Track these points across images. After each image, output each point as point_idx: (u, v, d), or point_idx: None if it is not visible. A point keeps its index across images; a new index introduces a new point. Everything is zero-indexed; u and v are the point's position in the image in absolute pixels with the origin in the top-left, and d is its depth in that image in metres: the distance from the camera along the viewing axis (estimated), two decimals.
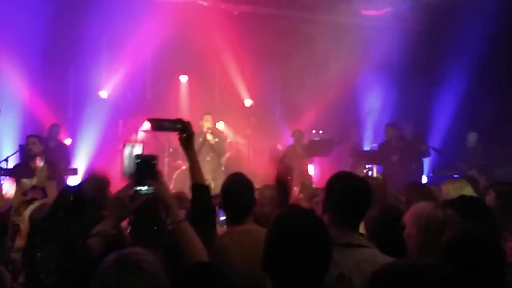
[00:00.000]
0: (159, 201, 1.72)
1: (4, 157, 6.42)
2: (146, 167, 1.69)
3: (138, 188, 1.69)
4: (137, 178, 1.69)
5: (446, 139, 8.46)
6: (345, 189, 2.01)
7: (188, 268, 1.57)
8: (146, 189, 1.68)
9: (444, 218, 2.07)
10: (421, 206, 2.18)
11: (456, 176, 6.61)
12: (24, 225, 2.60)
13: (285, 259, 1.49)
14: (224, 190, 2.54)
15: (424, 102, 9.03)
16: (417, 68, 8.79)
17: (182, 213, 1.75)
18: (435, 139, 8.54)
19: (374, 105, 9.11)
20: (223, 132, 8.82)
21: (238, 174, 2.65)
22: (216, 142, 7.55)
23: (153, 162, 1.71)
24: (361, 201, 2.01)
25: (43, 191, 3.32)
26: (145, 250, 1.35)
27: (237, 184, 2.55)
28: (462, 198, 2.64)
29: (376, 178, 3.67)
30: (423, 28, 8.69)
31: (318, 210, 2.08)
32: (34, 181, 3.21)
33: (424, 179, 8.00)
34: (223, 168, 7.98)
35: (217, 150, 7.62)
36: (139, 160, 1.72)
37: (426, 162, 8.37)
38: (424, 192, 3.49)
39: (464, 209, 2.28)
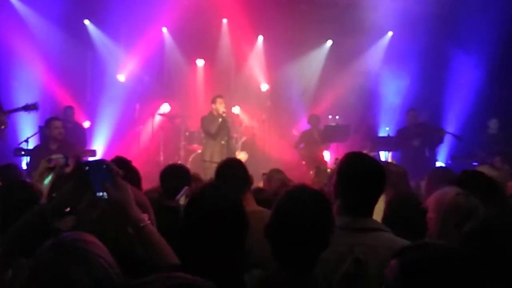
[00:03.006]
0: (118, 207, 1.62)
1: (25, 138, 6.54)
2: (98, 172, 1.61)
3: (99, 194, 1.61)
4: (93, 185, 1.62)
5: (465, 126, 8.28)
6: (358, 172, 1.92)
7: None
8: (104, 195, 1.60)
9: (465, 205, 2.00)
10: (444, 191, 2.11)
11: (475, 163, 6.50)
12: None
13: (287, 228, 1.57)
14: (217, 170, 2.70)
15: (443, 88, 8.83)
16: (437, 53, 8.58)
17: (145, 217, 1.66)
18: (455, 126, 8.37)
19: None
20: (238, 116, 8.82)
21: (231, 157, 2.85)
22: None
23: (104, 167, 1.62)
24: (375, 185, 1.93)
25: (66, 159, 3.40)
26: (88, 234, 1.29)
27: (227, 162, 2.71)
28: (465, 173, 2.60)
29: (397, 165, 3.61)
30: (442, 11, 8.44)
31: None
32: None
33: (439, 165, 7.88)
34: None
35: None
36: (87, 168, 1.64)
37: (445, 149, 8.24)
38: (446, 177, 3.37)
39: (469, 183, 2.24)
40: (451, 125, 8.38)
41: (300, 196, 1.63)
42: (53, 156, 3.48)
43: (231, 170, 2.65)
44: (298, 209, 1.59)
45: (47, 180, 2.69)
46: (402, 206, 2.29)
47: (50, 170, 3.19)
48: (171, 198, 2.71)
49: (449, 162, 8.06)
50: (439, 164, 7.99)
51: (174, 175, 2.90)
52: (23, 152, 6.37)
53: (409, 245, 1.22)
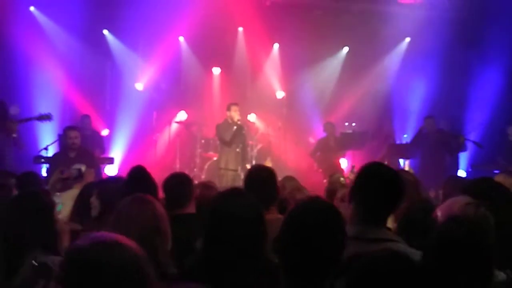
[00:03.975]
0: None
1: (44, 146, 6.67)
2: None
3: None
4: None
5: (485, 133, 8.11)
6: (377, 182, 1.90)
7: None
8: None
9: (474, 216, 1.93)
10: (454, 201, 2.08)
11: (496, 171, 6.34)
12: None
13: (296, 242, 1.52)
14: (247, 179, 2.64)
15: (462, 95, 8.68)
16: (455, 59, 8.45)
17: None
18: (474, 133, 8.20)
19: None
20: (254, 123, 8.82)
21: (262, 165, 2.76)
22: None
23: None
24: (392, 195, 1.91)
25: (79, 171, 3.48)
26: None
27: (259, 173, 2.63)
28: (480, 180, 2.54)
29: (409, 173, 3.55)
30: (461, 17, 8.33)
31: (342, 206, 2.04)
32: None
33: (461, 174, 7.72)
34: (254, 161, 8.00)
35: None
36: None
37: (464, 157, 8.07)
38: (462, 186, 3.31)
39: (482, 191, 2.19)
40: (471, 132, 8.20)
41: (310, 209, 1.58)
42: (76, 166, 3.58)
43: (260, 182, 2.58)
44: (308, 222, 1.53)
45: (60, 207, 2.75)
46: (414, 215, 2.25)
47: (62, 180, 3.27)
48: (174, 207, 2.70)
49: (469, 170, 7.89)
50: (460, 172, 7.83)
51: (176, 184, 2.88)
52: (43, 160, 6.49)
53: (347, 260, 1.17)
